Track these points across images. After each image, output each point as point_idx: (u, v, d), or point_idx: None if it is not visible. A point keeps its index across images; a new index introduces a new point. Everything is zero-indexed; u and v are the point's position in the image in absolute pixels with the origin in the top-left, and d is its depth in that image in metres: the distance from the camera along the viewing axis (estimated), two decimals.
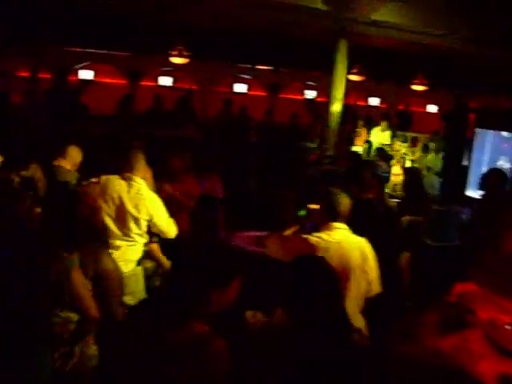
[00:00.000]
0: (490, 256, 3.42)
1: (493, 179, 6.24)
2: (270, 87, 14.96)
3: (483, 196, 6.35)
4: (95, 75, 14.20)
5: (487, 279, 2.98)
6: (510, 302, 2.83)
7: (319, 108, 13.18)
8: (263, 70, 14.72)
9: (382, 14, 9.68)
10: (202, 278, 2.34)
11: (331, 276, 2.54)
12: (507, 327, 2.63)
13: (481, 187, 6.42)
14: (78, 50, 13.36)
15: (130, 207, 4.37)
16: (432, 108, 18.20)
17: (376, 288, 3.70)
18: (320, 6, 9.36)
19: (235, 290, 2.42)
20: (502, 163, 8.07)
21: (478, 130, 8.54)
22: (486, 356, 2.31)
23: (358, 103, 16.75)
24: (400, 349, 2.31)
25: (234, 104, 12.99)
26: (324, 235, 3.53)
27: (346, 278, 3.37)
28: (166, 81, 14.79)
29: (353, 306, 3.41)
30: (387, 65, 13.32)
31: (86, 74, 13.97)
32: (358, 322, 3.42)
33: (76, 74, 13.95)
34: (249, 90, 15.55)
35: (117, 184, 4.45)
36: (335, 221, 3.63)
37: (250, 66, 14.55)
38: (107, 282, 3.34)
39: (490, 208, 5.63)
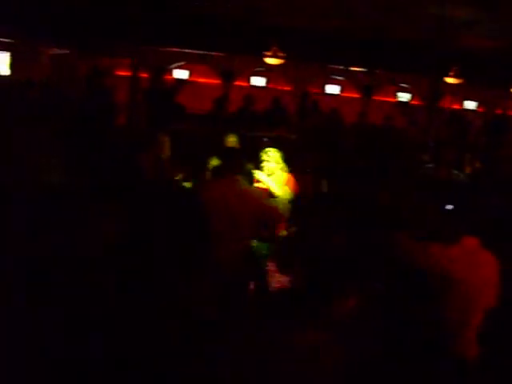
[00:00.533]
0: None
1: None
2: (363, 89, 14.74)
3: None
4: (190, 75, 14.50)
5: None
6: None
7: (414, 111, 12.90)
8: (356, 71, 14.54)
9: (479, 15, 9.37)
10: (328, 288, 2.34)
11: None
12: None
13: None
14: (173, 50, 13.70)
15: (235, 207, 4.42)
16: None
17: (493, 302, 3.58)
18: (416, 7, 9.17)
19: (355, 300, 2.39)
20: None
21: None
22: None
23: (454, 107, 16.23)
24: None
25: (326, 105, 12.93)
26: (458, 248, 3.46)
27: (475, 291, 3.30)
28: (258, 81, 14.88)
29: (475, 322, 3.33)
30: (485, 67, 12.87)
31: (181, 74, 14.28)
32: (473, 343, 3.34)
33: (171, 73, 14.30)
34: (341, 91, 15.41)
35: (222, 185, 4.52)
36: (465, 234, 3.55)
37: (343, 67, 14.42)
38: None
39: None
